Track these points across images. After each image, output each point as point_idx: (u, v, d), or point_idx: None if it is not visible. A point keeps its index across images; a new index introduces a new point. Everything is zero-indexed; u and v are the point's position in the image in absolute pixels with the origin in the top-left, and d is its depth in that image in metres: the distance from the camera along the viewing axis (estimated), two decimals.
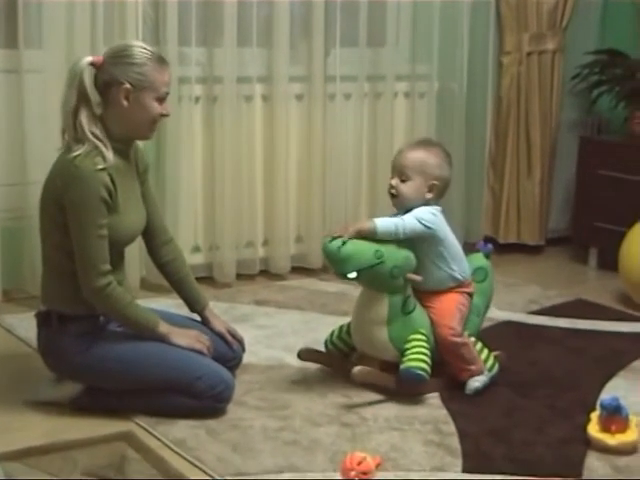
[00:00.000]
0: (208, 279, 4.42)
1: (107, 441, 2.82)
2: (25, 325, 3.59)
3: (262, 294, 4.34)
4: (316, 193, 4.63)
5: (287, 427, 2.94)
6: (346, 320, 3.36)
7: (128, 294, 2.99)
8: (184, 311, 3.30)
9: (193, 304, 3.27)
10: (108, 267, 2.90)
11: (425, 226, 3.13)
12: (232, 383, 3.03)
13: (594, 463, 2.77)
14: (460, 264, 3.27)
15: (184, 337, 3.02)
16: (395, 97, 4.80)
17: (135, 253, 3.90)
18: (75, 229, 2.87)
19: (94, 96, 2.92)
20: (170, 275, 3.27)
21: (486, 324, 3.58)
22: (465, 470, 2.72)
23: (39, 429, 2.89)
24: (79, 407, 3.00)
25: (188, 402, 2.95)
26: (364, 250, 3.06)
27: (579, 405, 3.13)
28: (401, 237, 3.10)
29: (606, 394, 3.15)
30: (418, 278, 3.16)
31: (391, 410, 3.09)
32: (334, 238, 3.06)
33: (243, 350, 3.30)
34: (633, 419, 2.88)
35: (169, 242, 3.25)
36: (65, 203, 2.87)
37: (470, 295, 3.29)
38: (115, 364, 2.94)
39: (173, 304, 3.48)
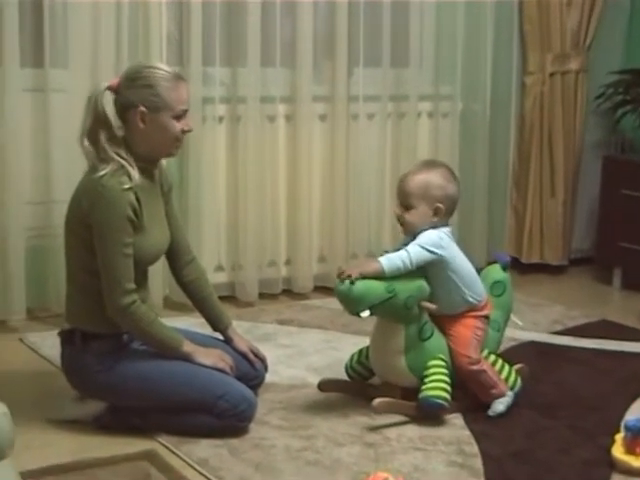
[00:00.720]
0: (231, 298, 4.42)
1: (130, 460, 2.81)
2: (49, 343, 3.60)
3: (285, 313, 4.34)
4: (339, 213, 4.63)
5: (310, 447, 2.93)
6: (367, 341, 3.32)
7: (152, 312, 3.00)
8: (207, 330, 3.30)
9: (216, 323, 3.28)
10: (133, 285, 2.91)
11: (431, 252, 3.09)
12: (254, 402, 3.03)
13: None
14: (472, 286, 3.21)
15: (208, 356, 3.02)
16: (418, 117, 4.81)
17: (158, 272, 3.91)
18: (101, 248, 2.88)
19: (115, 119, 2.94)
20: (193, 294, 3.27)
21: (510, 344, 3.57)
22: None
23: (62, 447, 2.89)
24: (102, 425, 3.00)
25: (211, 421, 2.95)
26: (375, 287, 3.01)
27: (603, 426, 3.10)
28: (411, 268, 3.06)
29: (631, 415, 3.13)
30: (432, 307, 3.14)
31: (414, 430, 3.07)
32: (343, 279, 3.01)
33: (266, 369, 3.30)
34: None
35: (192, 261, 3.26)
36: (91, 222, 2.88)
37: (487, 317, 3.25)
38: (138, 383, 2.94)
39: (196, 323, 3.48)
